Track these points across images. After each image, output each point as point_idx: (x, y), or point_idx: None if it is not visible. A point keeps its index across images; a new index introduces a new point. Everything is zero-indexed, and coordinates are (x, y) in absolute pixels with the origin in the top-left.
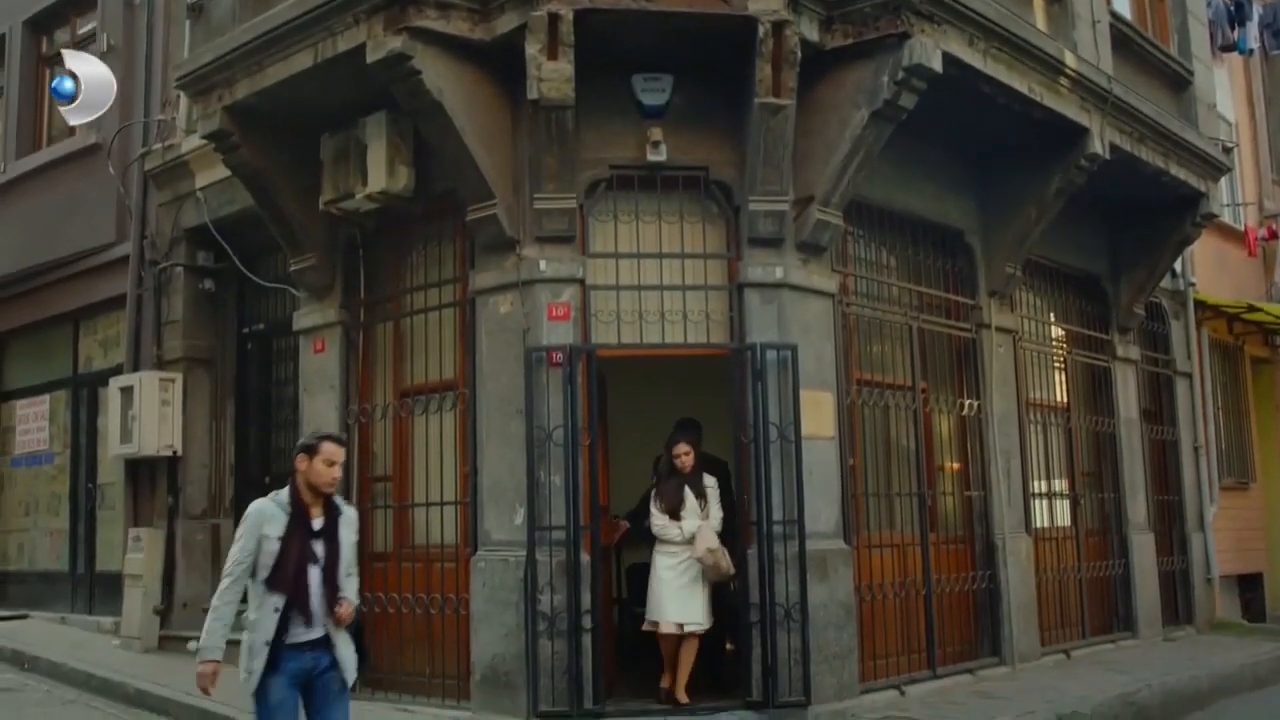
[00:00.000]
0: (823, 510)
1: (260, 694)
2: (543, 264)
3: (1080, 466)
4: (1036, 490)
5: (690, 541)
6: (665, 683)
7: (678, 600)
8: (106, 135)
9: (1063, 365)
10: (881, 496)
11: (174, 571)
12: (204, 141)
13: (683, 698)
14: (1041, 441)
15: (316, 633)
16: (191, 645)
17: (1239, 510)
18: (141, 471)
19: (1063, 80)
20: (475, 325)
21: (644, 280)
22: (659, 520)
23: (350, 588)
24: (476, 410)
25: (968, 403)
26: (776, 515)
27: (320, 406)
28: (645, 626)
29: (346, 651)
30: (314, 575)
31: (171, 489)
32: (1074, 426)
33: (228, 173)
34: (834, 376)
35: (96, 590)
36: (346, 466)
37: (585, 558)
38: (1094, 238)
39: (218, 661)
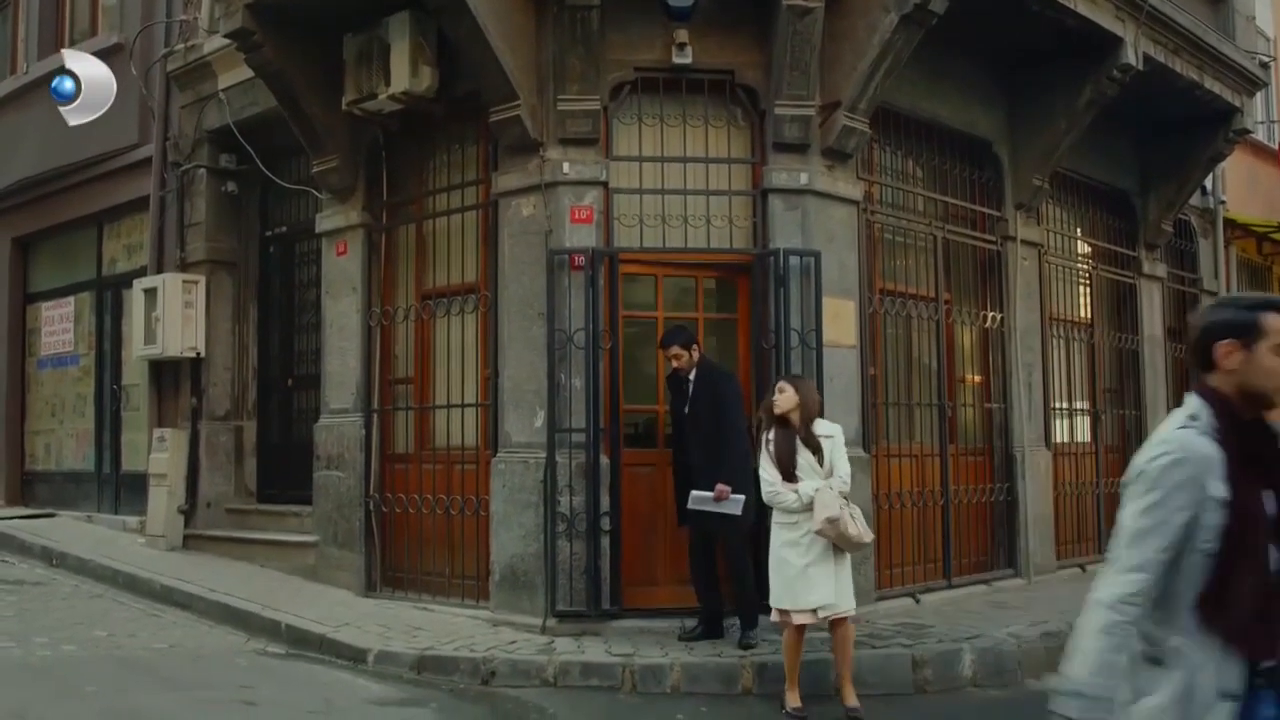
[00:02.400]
0: (842, 418)
1: None
2: (566, 166)
3: (1102, 383)
4: (1057, 405)
5: (811, 508)
6: (792, 700)
7: (808, 581)
8: (129, 35)
9: (1087, 281)
10: (901, 406)
11: (198, 472)
12: (226, 41)
13: (853, 700)
14: (1064, 357)
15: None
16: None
17: None
18: (165, 373)
19: None
20: (497, 228)
21: (667, 184)
22: (770, 483)
23: None
24: (498, 313)
25: (991, 315)
26: None
27: (342, 309)
28: (774, 618)
29: None
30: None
31: (195, 390)
32: (1097, 343)
33: (250, 73)
34: (857, 285)
35: (122, 490)
36: (366, 367)
37: (605, 460)
38: (1123, 152)
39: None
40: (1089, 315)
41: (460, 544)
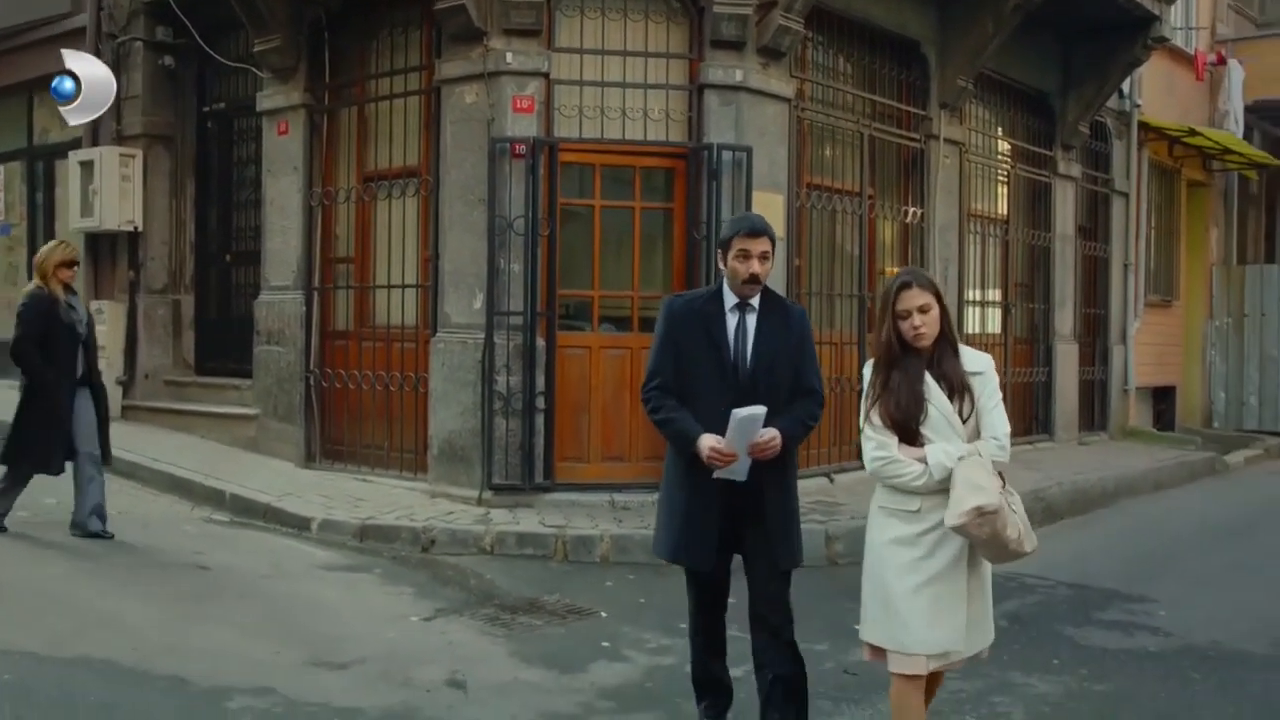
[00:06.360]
0: None
1: None
2: (509, 56)
3: (1014, 277)
4: (971, 298)
5: (943, 489)
6: None
7: (927, 608)
8: None
9: (1006, 179)
10: (824, 296)
11: (136, 344)
12: None
13: None
14: (979, 251)
15: None
16: None
17: (1161, 326)
18: (102, 246)
19: None
20: (440, 114)
21: (607, 77)
22: (882, 445)
23: None
24: (439, 197)
25: (912, 211)
26: None
27: (283, 188)
28: (867, 654)
29: None
30: None
31: (133, 264)
32: (1011, 239)
33: None
34: (785, 179)
35: None
36: (307, 246)
37: (541, 342)
38: (1046, 55)
39: None
40: (1005, 212)
41: (399, 419)
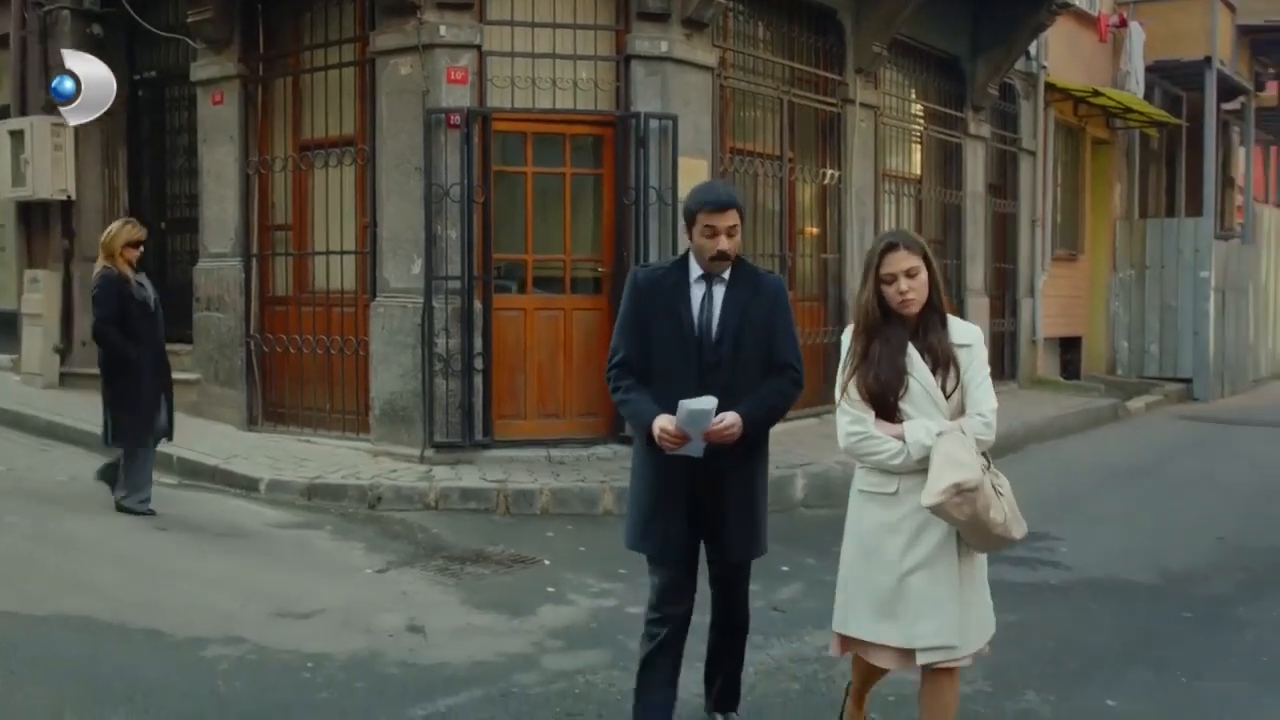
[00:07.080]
0: None
1: None
2: (443, 29)
3: (927, 234)
4: None
5: (923, 469)
6: None
7: (908, 597)
8: None
9: (919, 140)
10: (746, 257)
11: (71, 312)
12: None
13: None
14: (894, 210)
15: None
16: None
17: (1067, 279)
18: (34, 215)
19: None
20: (375, 85)
21: (538, 48)
22: (853, 420)
23: None
24: (376, 166)
25: (829, 173)
26: None
27: (220, 157)
28: (833, 649)
29: None
30: None
31: (66, 232)
32: (924, 198)
33: None
34: (709, 145)
35: None
36: (245, 213)
37: (478, 305)
38: (957, 20)
39: None
40: (918, 172)
41: (340, 381)
